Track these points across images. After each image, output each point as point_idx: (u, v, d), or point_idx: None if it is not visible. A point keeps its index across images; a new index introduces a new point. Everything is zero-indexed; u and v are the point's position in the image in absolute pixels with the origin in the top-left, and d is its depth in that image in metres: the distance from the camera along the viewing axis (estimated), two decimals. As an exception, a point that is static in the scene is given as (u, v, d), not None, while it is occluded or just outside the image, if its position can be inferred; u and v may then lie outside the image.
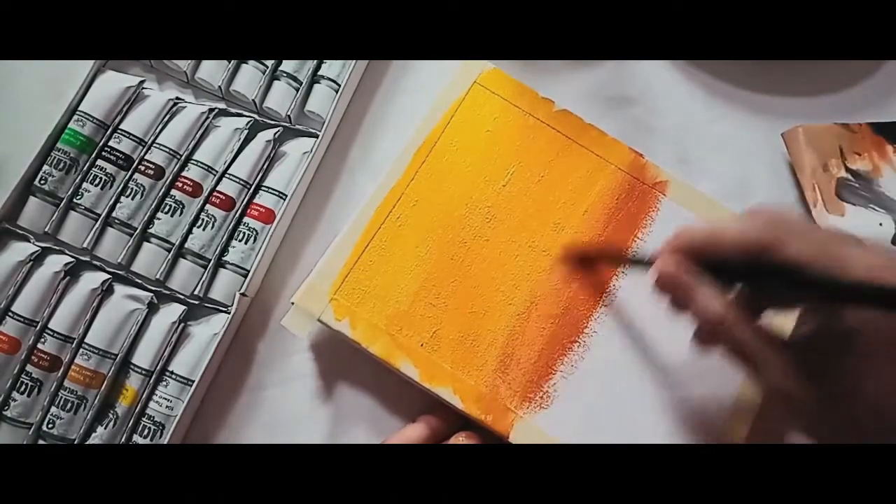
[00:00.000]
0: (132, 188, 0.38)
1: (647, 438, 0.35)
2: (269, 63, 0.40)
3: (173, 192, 0.38)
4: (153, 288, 0.37)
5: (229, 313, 0.37)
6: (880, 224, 0.42)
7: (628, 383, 0.36)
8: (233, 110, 0.40)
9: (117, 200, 0.37)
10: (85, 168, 0.37)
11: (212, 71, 0.40)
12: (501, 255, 0.37)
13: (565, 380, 0.36)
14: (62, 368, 0.35)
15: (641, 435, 0.35)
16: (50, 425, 0.35)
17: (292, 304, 0.35)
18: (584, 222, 0.38)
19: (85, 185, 0.37)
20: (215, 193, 0.38)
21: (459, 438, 0.35)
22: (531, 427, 0.34)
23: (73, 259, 0.37)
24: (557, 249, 0.38)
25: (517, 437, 0.34)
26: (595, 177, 0.39)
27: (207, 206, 0.38)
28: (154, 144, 0.38)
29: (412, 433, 0.34)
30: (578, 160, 0.39)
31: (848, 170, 0.43)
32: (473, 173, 0.39)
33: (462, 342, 0.36)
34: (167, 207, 0.38)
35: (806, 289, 0.27)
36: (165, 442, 0.35)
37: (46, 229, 0.37)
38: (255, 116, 0.40)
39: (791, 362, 0.27)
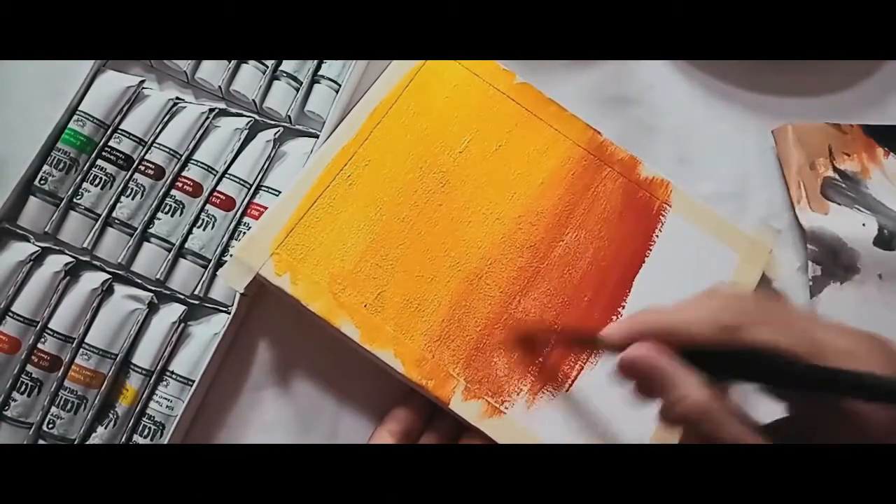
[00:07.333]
0: (132, 188, 0.38)
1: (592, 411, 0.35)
2: (269, 63, 0.40)
3: (173, 192, 0.38)
4: (153, 288, 0.37)
5: (229, 313, 0.37)
6: (863, 224, 0.41)
7: None
8: (233, 110, 0.40)
9: (117, 200, 0.37)
10: (85, 168, 0.37)
11: (212, 71, 0.40)
12: (454, 220, 0.37)
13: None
14: (62, 368, 0.35)
15: (584, 406, 0.35)
16: (50, 425, 0.35)
17: (230, 255, 0.35)
18: (539, 193, 0.38)
19: (85, 185, 0.37)
20: (215, 193, 0.38)
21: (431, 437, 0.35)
22: None
23: (73, 259, 0.37)
24: (511, 218, 0.38)
25: (457, 403, 0.34)
26: (552, 150, 0.39)
27: (208, 206, 0.38)
28: (154, 144, 0.38)
29: (391, 428, 0.34)
30: (536, 133, 0.39)
31: (836, 169, 0.43)
32: (429, 138, 0.38)
33: (407, 306, 0.35)
34: (167, 207, 0.38)
35: (795, 378, 0.25)
36: (165, 442, 0.35)
37: (46, 229, 0.37)
38: (255, 116, 0.40)
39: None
